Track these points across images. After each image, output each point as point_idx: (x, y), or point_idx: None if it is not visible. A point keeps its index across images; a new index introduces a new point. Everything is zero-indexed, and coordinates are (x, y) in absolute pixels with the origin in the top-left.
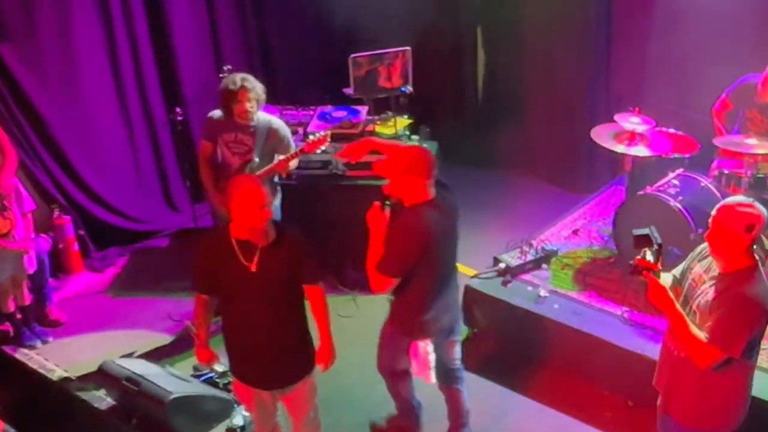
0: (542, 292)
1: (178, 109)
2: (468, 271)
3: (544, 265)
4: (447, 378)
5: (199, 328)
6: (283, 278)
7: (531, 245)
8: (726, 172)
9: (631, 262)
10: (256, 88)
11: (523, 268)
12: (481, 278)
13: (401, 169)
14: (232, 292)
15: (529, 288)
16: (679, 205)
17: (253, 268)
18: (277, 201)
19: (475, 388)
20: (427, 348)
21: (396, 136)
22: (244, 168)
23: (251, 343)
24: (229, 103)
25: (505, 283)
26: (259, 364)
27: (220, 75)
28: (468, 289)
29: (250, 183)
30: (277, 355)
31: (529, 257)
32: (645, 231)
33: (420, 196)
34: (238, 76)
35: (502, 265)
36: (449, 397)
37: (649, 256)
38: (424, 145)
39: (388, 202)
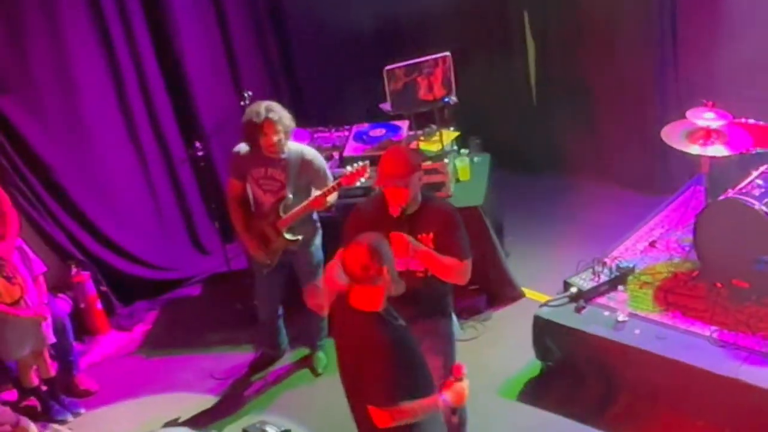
0: (620, 317)
1: (197, 143)
2: (538, 296)
3: (621, 286)
4: None
5: None
6: None
7: (604, 264)
8: None
9: None
10: (283, 117)
11: (597, 291)
12: (552, 306)
13: (415, 167)
14: None
15: (606, 313)
16: (765, 209)
17: None
18: (317, 239)
19: (553, 428)
20: None
21: (443, 152)
22: (277, 206)
23: None
24: (255, 136)
25: (578, 310)
26: None
27: (242, 103)
28: (538, 319)
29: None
30: None
31: (603, 278)
32: None
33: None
34: (262, 106)
35: (573, 290)
36: None
37: None
38: (476, 159)
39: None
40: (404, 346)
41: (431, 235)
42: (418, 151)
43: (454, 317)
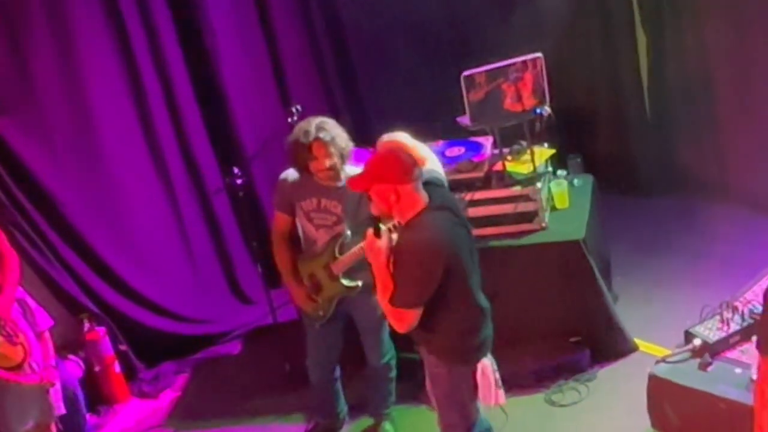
0: (755, 375)
1: (236, 170)
2: (653, 350)
3: (755, 336)
4: None
5: None
6: None
7: (735, 309)
8: None
9: None
10: (337, 137)
11: (726, 344)
12: (670, 362)
13: (374, 181)
14: None
15: (738, 370)
16: None
17: None
18: None
19: None
20: (491, 366)
21: (535, 175)
22: (333, 244)
23: None
24: (304, 160)
25: (703, 366)
26: None
27: (290, 120)
28: (653, 379)
29: None
30: None
31: (734, 326)
32: None
33: (413, 205)
34: (313, 124)
35: (697, 342)
36: None
37: None
38: (576, 181)
39: (381, 226)
40: None
41: (392, 258)
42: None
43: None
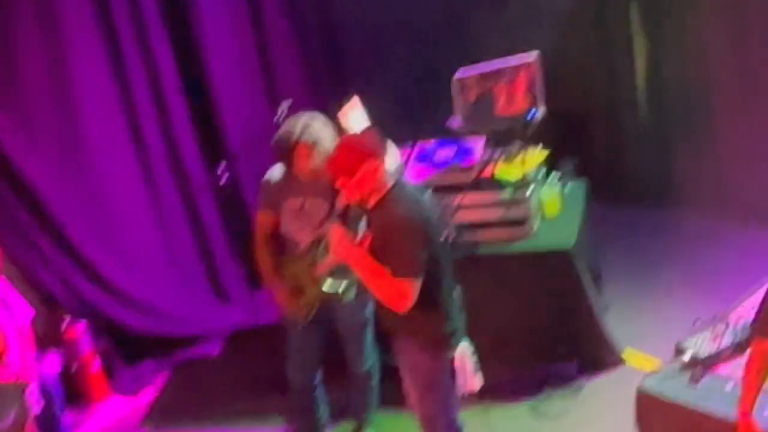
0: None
1: (221, 165)
2: (643, 362)
3: (749, 351)
4: None
5: None
6: None
7: (728, 322)
8: None
9: None
10: (322, 138)
11: (718, 358)
12: (660, 376)
13: (368, 157)
14: None
15: (729, 385)
16: None
17: None
18: None
19: None
20: (467, 349)
21: (525, 181)
22: (317, 246)
23: None
24: (288, 158)
25: (694, 381)
26: None
27: (275, 117)
28: (642, 393)
29: None
30: None
31: (726, 340)
32: None
33: (386, 184)
34: (299, 123)
35: (688, 355)
36: None
37: None
38: (567, 188)
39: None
40: None
41: (369, 235)
42: (376, 135)
43: None
